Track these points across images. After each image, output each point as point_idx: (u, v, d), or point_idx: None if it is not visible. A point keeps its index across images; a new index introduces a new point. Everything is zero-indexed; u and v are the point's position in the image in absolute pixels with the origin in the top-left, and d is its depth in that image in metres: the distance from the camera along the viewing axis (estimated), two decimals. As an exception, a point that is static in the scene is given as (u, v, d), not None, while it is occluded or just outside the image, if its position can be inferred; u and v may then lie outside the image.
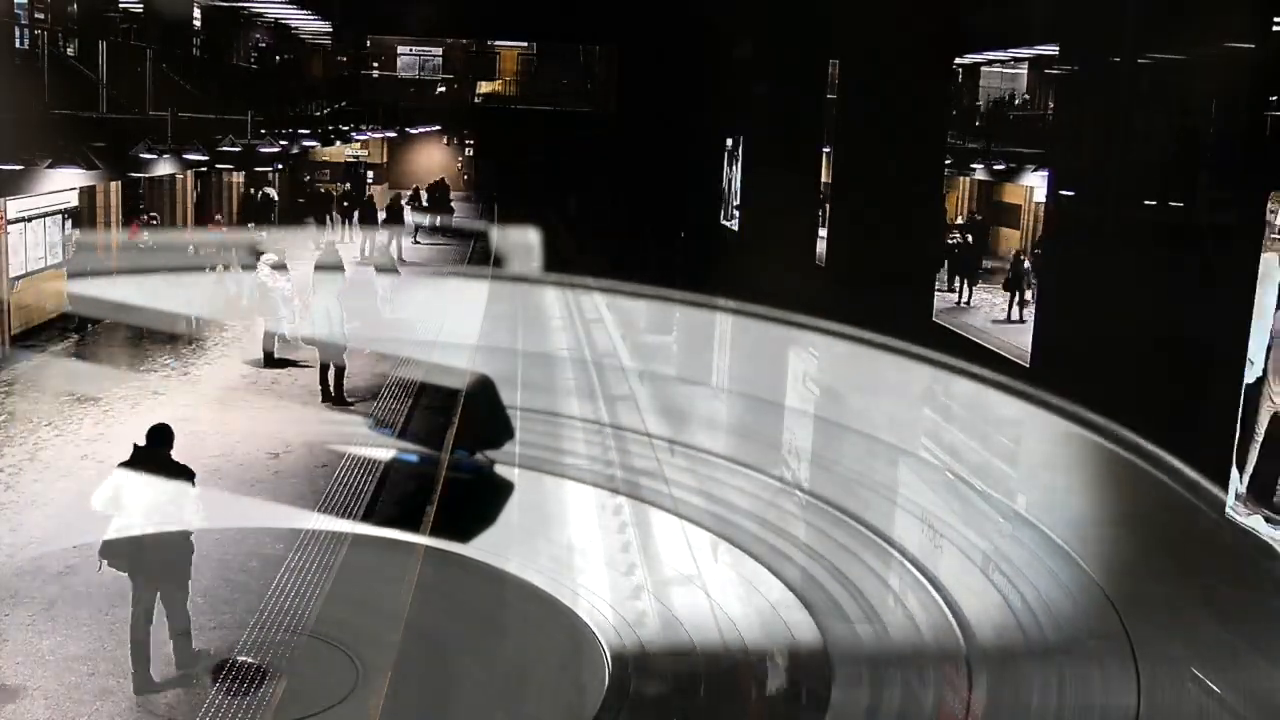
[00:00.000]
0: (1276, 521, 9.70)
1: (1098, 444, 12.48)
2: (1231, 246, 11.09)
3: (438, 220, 35.16)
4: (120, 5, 21.16)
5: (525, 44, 44.54)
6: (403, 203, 32.19)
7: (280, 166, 30.33)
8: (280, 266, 18.27)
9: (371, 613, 9.73)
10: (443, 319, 20.99)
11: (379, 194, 36.13)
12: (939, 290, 21.83)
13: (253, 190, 30.58)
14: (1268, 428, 9.87)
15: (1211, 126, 12.98)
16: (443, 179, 40.00)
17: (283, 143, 22.72)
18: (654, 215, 31.26)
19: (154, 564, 8.19)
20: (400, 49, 44.77)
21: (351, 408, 15.66)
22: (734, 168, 30.00)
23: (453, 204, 37.62)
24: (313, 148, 29.66)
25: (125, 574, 8.29)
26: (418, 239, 32.92)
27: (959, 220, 27.66)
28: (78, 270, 18.49)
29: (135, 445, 8.40)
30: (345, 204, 32.64)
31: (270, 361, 17.42)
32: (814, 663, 10.95)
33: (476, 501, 13.35)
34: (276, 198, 30.93)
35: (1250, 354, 10.04)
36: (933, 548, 13.50)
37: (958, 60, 25.98)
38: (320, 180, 38.17)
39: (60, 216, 18.69)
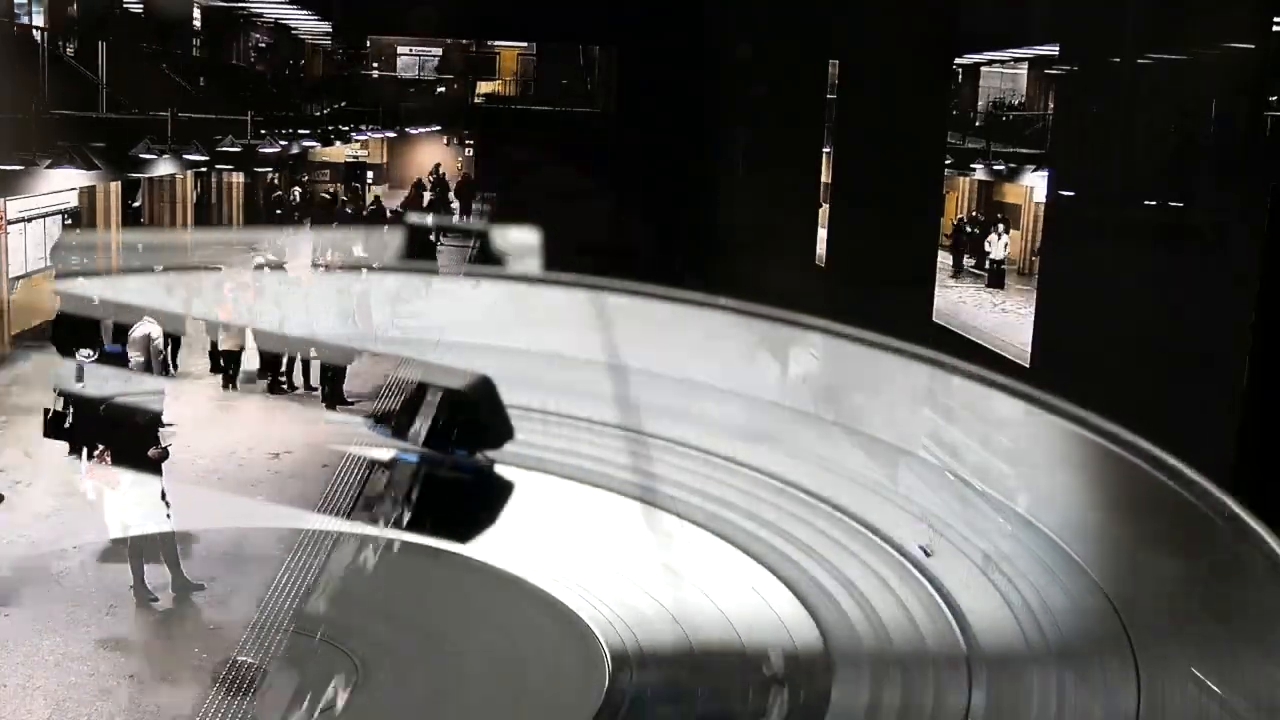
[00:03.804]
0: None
1: (1098, 444, 12.47)
2: (1231, 246, 11.08)
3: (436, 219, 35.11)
4: (120, 5, 21.14)
5: (525, 44, 44.49)
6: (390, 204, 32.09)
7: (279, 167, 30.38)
8: (278, 267, 18.24)
9: (371, 613, 9.73)
10: (441, 321, 20.95)
11: (382, 194, 36.09)
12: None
13: (276, 191, 30.67)
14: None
15: (1211, 126, 12.96)
16: (441, 172, 39.73)
17: (283, 143, 22.70)
18: (654, 215, 31.18)
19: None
20: (400, 49, 44.71)
21: (351, 408, 15.65)
22: (734, 167, 29.94)
23: (454, 202, 37.52)
24: (313, 148, 29.65)
25: None
26: (446, 240, 32.97)
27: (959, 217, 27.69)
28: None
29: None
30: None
31: (270, 361, 17.38)
32: (814, 663, 10.93)
33: (476, 501, 13.33)
34: (297, 198, 31.02)
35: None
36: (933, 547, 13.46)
37: (958, 60, 25.99)
38: (319, 180, 38.14)
39: (60, 216, 18.69)
